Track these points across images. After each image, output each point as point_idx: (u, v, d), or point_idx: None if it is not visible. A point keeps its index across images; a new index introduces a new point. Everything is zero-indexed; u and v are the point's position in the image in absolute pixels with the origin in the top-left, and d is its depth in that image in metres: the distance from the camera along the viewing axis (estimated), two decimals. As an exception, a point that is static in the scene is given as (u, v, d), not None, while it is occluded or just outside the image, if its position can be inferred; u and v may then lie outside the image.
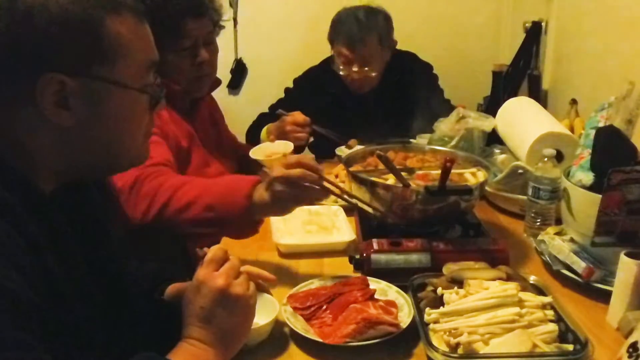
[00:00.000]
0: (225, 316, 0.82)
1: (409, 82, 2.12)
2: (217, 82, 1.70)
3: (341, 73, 2.08)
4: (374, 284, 1.10)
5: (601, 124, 1.21)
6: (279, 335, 1.01)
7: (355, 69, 2.04)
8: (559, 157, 1.40)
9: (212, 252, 0.86)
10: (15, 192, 0.69)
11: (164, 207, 1.19)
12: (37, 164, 0.75)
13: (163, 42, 1.41)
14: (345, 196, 1.27)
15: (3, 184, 0.69)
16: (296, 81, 2.24)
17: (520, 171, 1.51)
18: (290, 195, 1.11)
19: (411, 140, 1.83)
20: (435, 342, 0.90)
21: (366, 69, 2.04)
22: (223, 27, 1.56)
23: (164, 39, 1.42)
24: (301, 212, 1.45)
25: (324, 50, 2.30)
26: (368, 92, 2.15)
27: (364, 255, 1.16)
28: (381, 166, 1.32)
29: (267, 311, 1.00)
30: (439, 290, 1.02)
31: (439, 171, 1.21)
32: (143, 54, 0.79)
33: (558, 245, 1.20)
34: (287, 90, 2.24)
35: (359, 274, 1.15)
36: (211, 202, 1.17)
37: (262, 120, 2.07)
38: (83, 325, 0.75)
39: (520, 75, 2.56)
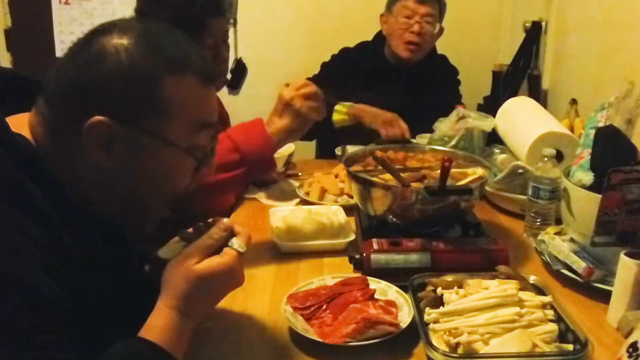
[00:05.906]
0: (204, 294, 0.82)
1: (437, 80, 2.25)
2: (225, 81, 1.72)
3: (401, 27, 2.15)
4: (374, 283, 1.10)
5: (601, 124, 1.20)
6: (279, 335, 1.00)
7: (417, 19, 2.13)
8: (559, 157, 1.40)
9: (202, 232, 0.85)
10: (54, 203, 0.72)
11: None
12: (77, 186, 0.78)
13: None
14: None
15: (45, 195, 0.72)
16: (333, 57, 2.31)
17: (520, 171, 1.51)
18: (312, 107, 1.24)
19: (411, 140, 1.83)
20: (435, 342, 0.90)
21: (425, 26, 2.14)
22: (233, 25, 1.58)
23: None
24: (301, 212, 1.45)
25: (325, 50, 2.31)
26: (402, 78, 2.22)
27: (364, 255, 1.16)
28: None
29: None
30: (439, 290, 1.02)
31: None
32: (196, 115, 0.81)
33: (558, 245, 1.20)
34: (324, 64, 2.31)
35: (359, 274, 1.15)
36: (232, 145, 1.21)
37: None
38: (107, 330, 0.76)
39: (520, 75, 2.57)
